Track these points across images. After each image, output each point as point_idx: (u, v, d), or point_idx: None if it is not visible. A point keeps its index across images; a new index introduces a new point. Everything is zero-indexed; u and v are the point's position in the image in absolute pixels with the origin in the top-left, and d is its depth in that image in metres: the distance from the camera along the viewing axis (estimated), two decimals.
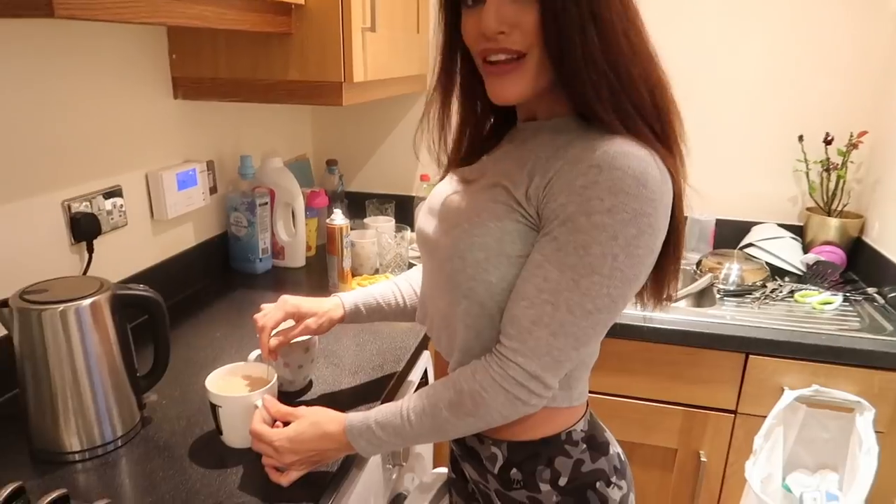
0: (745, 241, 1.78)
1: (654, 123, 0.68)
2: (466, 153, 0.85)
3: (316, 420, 0.79)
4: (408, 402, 0.76)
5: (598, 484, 0.78)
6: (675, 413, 1.46)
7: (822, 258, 1.66)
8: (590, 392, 0.80)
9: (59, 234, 1.09)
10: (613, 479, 0.80)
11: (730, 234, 1.82)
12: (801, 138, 1.72)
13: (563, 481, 0.78)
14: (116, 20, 0.76)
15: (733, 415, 1.43)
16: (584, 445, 0.80)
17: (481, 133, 0.85)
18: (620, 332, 1.40)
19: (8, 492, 0.71)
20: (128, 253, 1.25)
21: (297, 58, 1.23)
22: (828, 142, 1.68)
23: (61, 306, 0.82)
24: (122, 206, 1.20)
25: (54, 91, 1.05)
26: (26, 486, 0.75)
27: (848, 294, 1.57)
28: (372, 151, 2.02)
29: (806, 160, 1.72)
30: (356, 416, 0.78)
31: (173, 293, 1.37)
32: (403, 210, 1.92)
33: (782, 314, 1.48)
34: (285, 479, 0.80)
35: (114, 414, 0.88)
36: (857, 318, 1.46)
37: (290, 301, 0.94)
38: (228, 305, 1.37)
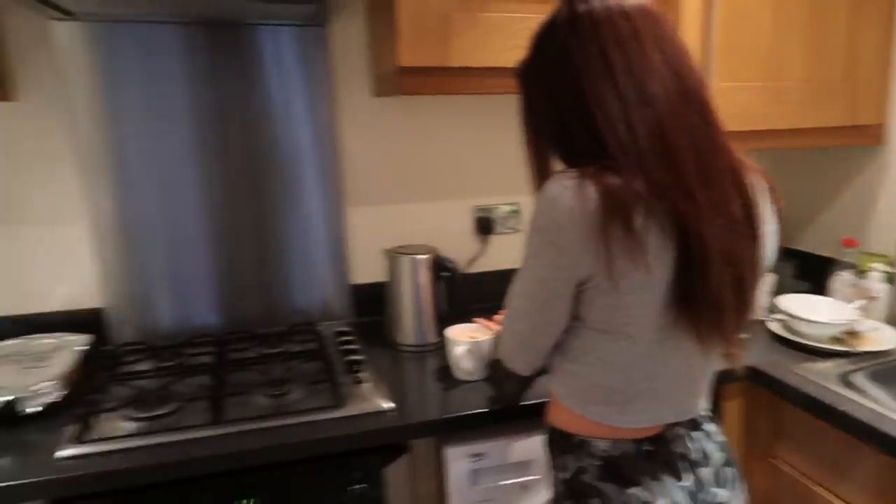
0: None
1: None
2: None
3: None
4: None
5: (592, 501, 0.88)
6: None
7: None
8: None
9: (469, 227, 1.71)
10: None
11: None
12: None
13: (564, 475, 0.92)
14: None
15: None
16: (600, 464, 0.89)
17: None
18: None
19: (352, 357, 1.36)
20: (512, 252, 1.76)
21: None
22: None
23: (410, 257, 1.42)
24: (516, 218, 1.74)
25: (479, 137, 1.67)
26: (373, 361, 1.38)
27: None
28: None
29: None
30: None
31: None
32: None
33: None
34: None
35: (425, 329, 1.44)
36: None
37: None
38: None
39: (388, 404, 1.15)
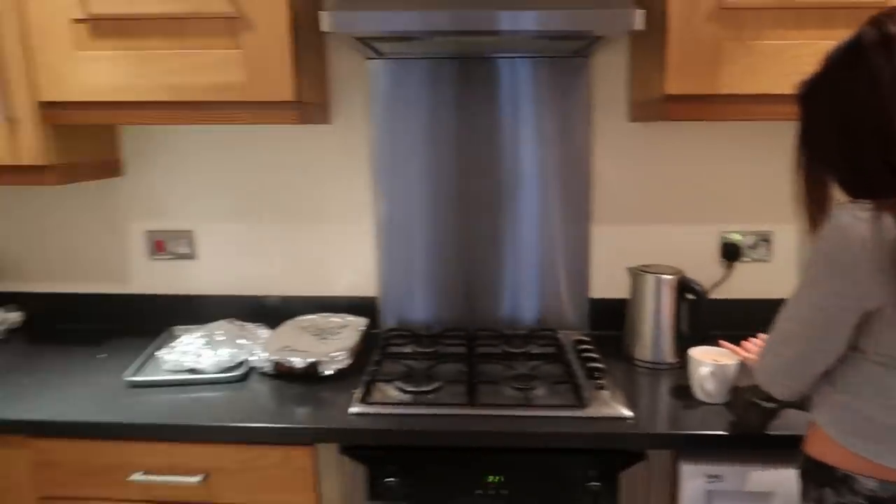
0: None
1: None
2: None
3: None
4: None
5: None
6: None
7: None
8: None
9: (713, 253, 1.69)
10: None
11: None
12: None
13: None
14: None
15: None
16: (864, 502, 0.85)
17: None
18: None
19: (593, 366, 1.45)
20: (757, 282, 1.69)
21: None
22: None
23: (655, 276, 1.47)
24: (766, 247, 1.67)
25: (731, 163, 1.65)
26: (609, 371, 1.45)
27: None
28: None
29: None
30: None
31: None
32: None
33: None
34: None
35: (663, 347, 1.46)
36: None
37: None
38: None
39: (628, 412, 1.21)
